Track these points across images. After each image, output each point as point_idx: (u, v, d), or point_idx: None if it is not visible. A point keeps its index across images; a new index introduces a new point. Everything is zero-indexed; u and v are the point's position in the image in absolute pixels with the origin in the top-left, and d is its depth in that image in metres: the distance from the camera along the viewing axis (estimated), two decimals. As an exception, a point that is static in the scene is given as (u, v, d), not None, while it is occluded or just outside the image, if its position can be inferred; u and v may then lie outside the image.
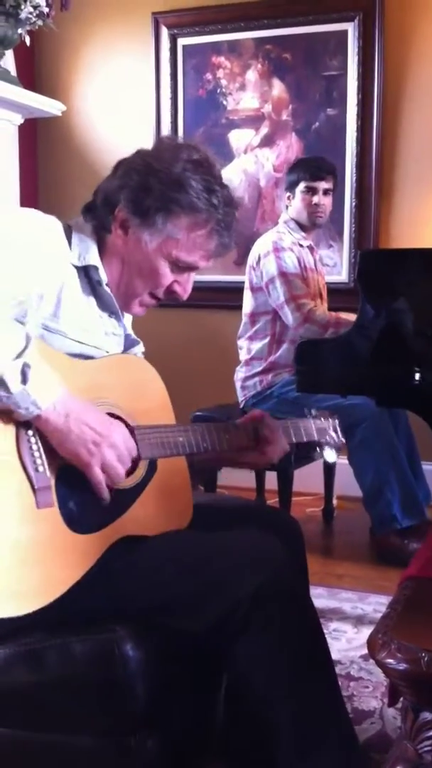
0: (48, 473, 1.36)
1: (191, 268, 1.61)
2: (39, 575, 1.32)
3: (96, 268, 1.57)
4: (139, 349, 1.79)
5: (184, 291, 1.64)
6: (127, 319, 1.77)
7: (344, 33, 3.89)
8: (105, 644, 1.38)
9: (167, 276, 1.59)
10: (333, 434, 1.82)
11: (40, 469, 1.35)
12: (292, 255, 3.34)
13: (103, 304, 1.60)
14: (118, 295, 1.62)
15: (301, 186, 3.44)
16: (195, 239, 1.56)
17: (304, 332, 3.25)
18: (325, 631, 1.55)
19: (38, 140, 4.45)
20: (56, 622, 1.40)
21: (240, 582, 1.38)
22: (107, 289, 1.59)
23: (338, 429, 1.83)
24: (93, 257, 1.57)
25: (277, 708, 1.36)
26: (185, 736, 1.54)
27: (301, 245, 3.45)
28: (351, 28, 3.87)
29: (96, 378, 1.50)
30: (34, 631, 1.40)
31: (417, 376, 2.52)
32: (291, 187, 3.48)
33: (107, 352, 1.60)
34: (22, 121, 3.60)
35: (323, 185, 3.45)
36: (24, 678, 1.41)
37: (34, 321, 1.46)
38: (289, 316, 3.27)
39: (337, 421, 1.83)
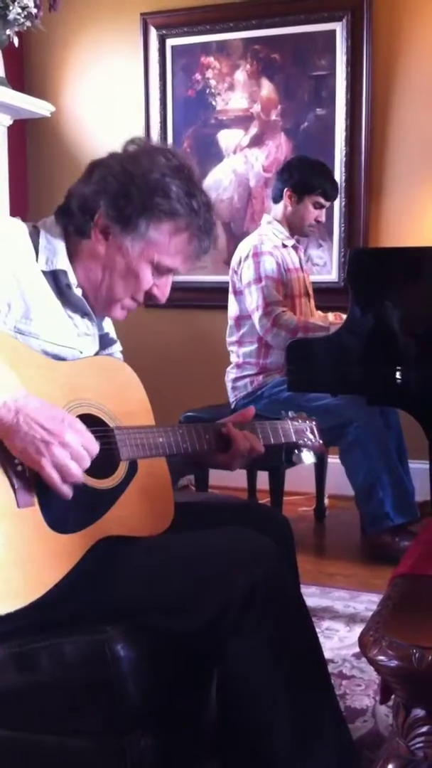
0: (28, 473, 1.35)
1: (171, 271, 1.63)
2: (20, 576, 1.31)
3: (64, 272, 1.57)
4: (117, 348, 1.79)
5: (163, 294, 1.65)
6: (107, 320, 1.77)
7: (332, 33, 3.90)
8: (96, 645, 1.37)
9: (148, 280, 1.60)
10: (310, 436, 1.81)
11: (20, 468, 1.34)
12: (272, 259, 3.30)
13: (73, 307, 1.60)
14: (97, 301, 1.62)
15: (318, 198, 3.40)
16: (177, 244, 1.58)
17: (272, 338, 3.23)
18: (317, 629, 1.55)
19: (27, 141, 4.44)
20: (48, 624, 1.40)
21: (232, 580, 1.38)
22: (77, 291, 1.59)
23: (315, 431, 1.82)
24: (61, 261, 1.57)
25: (272, 706, 1.36)
26: (178, 736, 1.54)
27: (284, 245, 3.43)
28: (339, 28, 3.87)
29: (75, 378, 1.50)
30: (25, 632, 1.40)
31: (398, 374, 2.53)
32: (301, 189, 3.39)
33: (81, 352, 1.60)
34: (11, 122, 3.60)
35: (328, 204, 3.46)
36: (15, 680, 1.40)
37: (5, 327, 1.46)
38: (257, 322, 3.27)
39: (314, 423, 1.83)
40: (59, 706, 1.42)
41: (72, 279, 1.58)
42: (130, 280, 1.59)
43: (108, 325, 1.79)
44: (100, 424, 1.51)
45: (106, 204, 1.55)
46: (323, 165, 3.49)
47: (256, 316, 3.26)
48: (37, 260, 1.55)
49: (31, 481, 1.36)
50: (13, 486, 1.34)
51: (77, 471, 1.35)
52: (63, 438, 1.33)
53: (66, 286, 1.57)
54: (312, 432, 1.81)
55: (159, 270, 1.60)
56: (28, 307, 1.50)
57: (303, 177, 3.40)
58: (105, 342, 1.74)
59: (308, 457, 1.79)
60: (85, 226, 1.58)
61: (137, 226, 1.54)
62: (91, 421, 1.48)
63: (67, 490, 1.36)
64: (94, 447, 1.39)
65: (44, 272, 1.55)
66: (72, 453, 1.34)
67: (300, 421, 1.80)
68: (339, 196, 3.77)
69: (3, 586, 1.29)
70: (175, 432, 1.60)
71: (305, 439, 1.81)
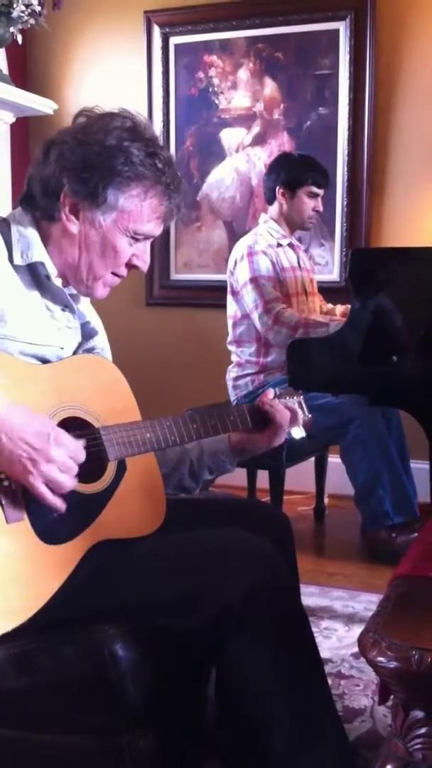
0: (14, 486, 1.34)
1: (147, 237, 1.59)
2: (17, 592, 1.31)
3: (42, 263, 1.53)
4: (101, 339, 1.75)
5: (144, 263, 1.61)
6: (85, 305, 1.73)
7: (336, 32, 3.89)
8: (95, 645, 1.38)
9: (126, 251, 1.57)
10: (299, 410, 1.81)
11: (6, 483, 1.33)
12: (266, 258, 3.29)
13: (54, 298, 1.57)
14: (78, 282, 1.59)
15: (310, 188, 3.40)
16: (148, 207, 1.54)
17: (273, 336, 3.23)
18: (316, 629, 1.56)
19: (30, 139, 4.44)
20: (47, 624, 1.40)
21: (231, 580, 1.38)
22: (57, 282, 1.57)
23: (304, 405, 1.81)
24: (37, 252, 1.53)
25: (271, 705, 1.36)
26: (178, 735, 1.54)
27: (280, 245, 3.42)
28: (342, 27, 3.87)
29: (58, 381, 1.47)
30: (24, 633, 1.40)
31: (399, 374, 2.52)
32: (292, 185, 3.39)
33: (61, 348, 1.57)
34: (14, 119, 3.60)
35: (322, 192, 3.46)
36: (15, 680, 1.40)
37: None
38: (257, 321, 3.26)
39: (302, 398, 1.82)
40: (59, 705, 1.42)
41: (51, 269, 1.55)
42: (109, 254, 1.56)
43: (91, 314, 1.75)
44: (85, 425, 1.48)
45: (69, 180, 1.51)
46: (308, 157, 3.51)
47: (255, 315, 3.25)
48: (11, 256, 1.52)
49: (19, 496, 1.34)
50: (0, 502, 1.32)
51: (66, 482, 1.34)
52: (49, 455, 1.31)
53: (45, 277, 1.54)
54: (300, 406, 1.80)
55: (135, 238, 1.56)
56: (2, 309, 1.46)
57: (291, 172, 3.41)
58: (86, 332, 1.70)
59: (298, 432, 1.78)
60: (52, 208, 1.54)
61: (105, 197, 1.51)
62: (76, 423, 1.47)
63: (60, 504, 1.35)
64: (81, 455, 1.38)
65: (21, 266, 1.52)
66: (60, 466, 1.33)
67: (288, 397, 1.79)
68: (341, 195, 3.77)
69: (1, 605, 1.29)
70: (162, 425, 1.57)
71: (300, 413, 1.81)
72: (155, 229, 1.58)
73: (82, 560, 1.41)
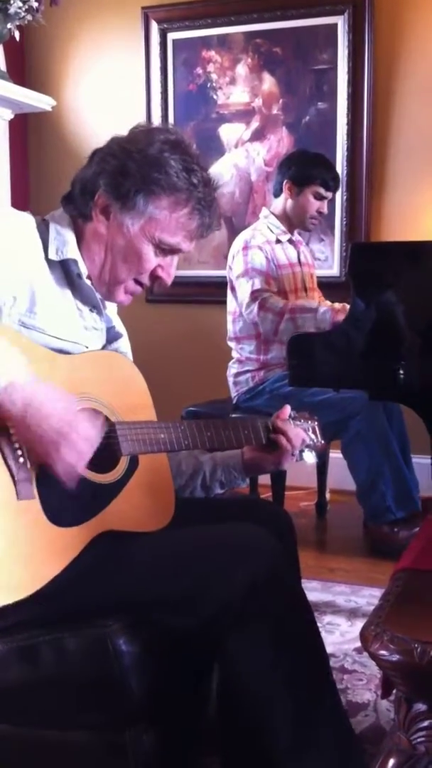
0: (29, 464, 1.35)
1: (174, 250, 1.60)
2: (21, 569, 1.31)
3: (75, 261, 1.56)
4: (123, 342, 1.78)
5: (168, 275, 1.63)
6: (112, 310, 1.76)
7: (334, 26, 3.88)
8: (98, 639, 1.38)
9: (151, 260, 1.58)
10: (313, 436, 1.80)
11: (21, 460, 1.34)
12: (260, 254, 3.28)
13: (84, 298, 1.59)
14: (101, 284, 1.61)
15: (318, 189, 3.38)
16: (177, 219, 1.55)
17: (261, 323, 3.20)
18: (319, 624, 1.55)
19: (29, 135, 4.44)
20: (50, 618, 1.40)
21: (233, 576, 1.38)
22: (88, 282, 1.58)
23: (318, 430, 1.81)
24: (71, 250, 1.56)
25: (273, 700, 1.36)
26: (180, 731, 1.54)
27: (279, 240, 3.40)
28: (341, 22, 3.86)
29: (77, 373, 1.50)
30: (27, 627, 1.40)
31: (400, 369, 2.52)
32: (300, 180, 3.37)
33: (86, 347, 1.59)
34: (12, 116, 3.60)
35: (330, 195, 3.45)
36: (18, 674, 1.41)
37: (9, 320, 1.46)
38: (245, 310, 3.25)
39: (317, 423, 1.82)
40: (61, 701, 1.42)
41: (82, 269, 1.57)
42: (132, 260, 1.57)
43: (115, 318, 1.78)
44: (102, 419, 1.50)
45: (105, 182, 1.54)
46: (322, 156, 3.48)
47: (244, 306, 3.25)
48: (47, 252, 1.54)
49: (32, 473, 1.35)
50: (13, 477, 1.33)
51: (82, 467, 1.36)
52: (71, 438, 1.32)
53: (77, 275, 1.57)
54: (314, 432, 1.80)
55: (162, 248, 1.58)
56: (33, 301, 1.49)
57: (301, 168, 3.39)
58: (111, 335, 1.73)
59: (310, 457, 1.78)
60: (86, 208, 1.57)
61: (136, 202, 1.53)
62: (93, 415, 1.48)
63: (72, 485, 1.36)
64: (96, 441, 1.39)
65: (55, 262, 1.55)
66: (78, 451, 1.34)
67: (302, 420, 1.79)
68: (340, 190, 3.76)
69: (4, 579, 1.29)
70: (177, 428, 1.60)
71: (307, 439, 1.81)
72: (183, 243, 1.59)
73: (86, 550, 1.41)
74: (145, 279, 1.61)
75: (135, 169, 1.52)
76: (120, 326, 1.79)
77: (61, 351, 1.52)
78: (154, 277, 1.62)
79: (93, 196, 1.55)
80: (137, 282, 1.62)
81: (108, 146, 1.59)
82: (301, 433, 1.73)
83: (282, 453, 1.71)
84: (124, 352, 1.77)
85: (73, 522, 1.41)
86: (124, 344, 1.79)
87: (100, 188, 1.54)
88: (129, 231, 1.55)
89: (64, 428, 1.32)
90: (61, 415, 1.33)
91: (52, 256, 1.54)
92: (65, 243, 1.56)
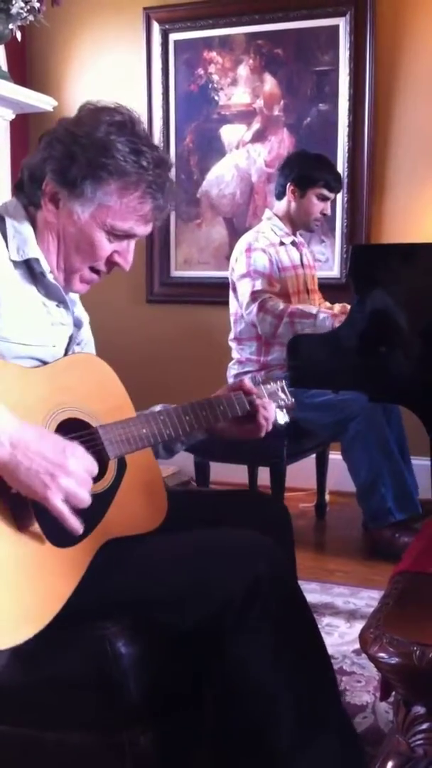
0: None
1: (129, 235, 1.56)
2: (32, 598, 1.29)
3: (37, 260, 1.52)
4: (85, 330, 1.73)
5: (126, 261, 1.58)
6: (75, 294, 1.71)
7: (335, 28, 3.88)
8: (97, 641, 1.37)
9: (105, 247, 1.54)
10: (282, 396, 1.80)
11: (14, 490, 1.30)
12: (264, 256, 3.27)
13: (50, 294, 1.56)
14: (58, 273, 1.57)
15: (321, 191, 3.37)
16: (128, 204, 1.51)
17: (260, 325, 3.20)
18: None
19: (30, 135, 4.43)
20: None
21: (233, 577, 1.38)
22: (51, 278, 1.55)
23: (286, 389, 1.81)
24: (32, 249, 1.52)
25: (274, 700, 1.35)
26: (179, 732, 1.54)
27: (282, 243, 3.40)
28: (342, 23, 3.86)
29: (53, 383, 1.46)
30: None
31: (399, 371, 2.52)
32: (304, 182, 3.36)
33: (53, 345, 1.56)
34: (13, 116, 3.60)
35: (333, 196, 3.44)
36: (17, 677, 1.40)
37: None
38: (245, 311, 3.25)
39: (284, 382, 1.82)
40: (60, 702, 1.41)
41: (45, 266, 1.54)
42: (85, 248, 1.53)
43: (78, 305, 1.73)
44: (84, 426, 1.48)
45: (51, 169, 1.50)
46: (324, 157, 3.48)
47: (244, 306, 3.25)
48: (8, 250, 1.50)
49: (28, 501, 1.31)
50: (9, 509, 1.30)
51: (86, 496, 1.30)
52: (67, 468, 1.27)
53: (40, 274, 1.53)
54: (283, 391, 1.80)
55: (115, 234, 1.54)
56: None
57: (304, 170, 3.38)
58: (75, 324, 1.68)
59: (282, 417, 1.79)
60: (35, 195, 1.53)
61: (84, 189, 1.48)
62: (74, 424, 1.46)
63: (78, 526, 1.30)
64: (95, 468, 1.35)
65: (17, 262, 1.51)
66: (77, 479, 1.28)
67: (271, 383, 1.79)
68: (341, 191, 3.76)
69: (17, 611, 1.26)
70: (156, 419, 1.57)
71: (278, 400, 1.81)
72: (137, 227, 1.55)
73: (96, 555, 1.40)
74: (102, 266, 1.58)
75: (81, 155, 1.47)
76: (81, 312, 1.74)
77: (30, 357, 1.49)
78: (111, 263, 1.58)
79: (41, 184, 1.52)
80: (93, 270, 1.58)
81: (55, 130, 1.53)
82: (272, 406, 1.73)
83: (258, 427, 1.70)
84: (86, 342, 1.74)
85: (76, 539, 1.37)
86: (85, 332, 1.74)
87: (47, 175, 1.50)
88: (79, 219, 1.51)
89: (58, 458, 1.27)
90: (53, 444, 1.28)
91: (14, 257, 1.51)
92: (25, 241, 1.52)
